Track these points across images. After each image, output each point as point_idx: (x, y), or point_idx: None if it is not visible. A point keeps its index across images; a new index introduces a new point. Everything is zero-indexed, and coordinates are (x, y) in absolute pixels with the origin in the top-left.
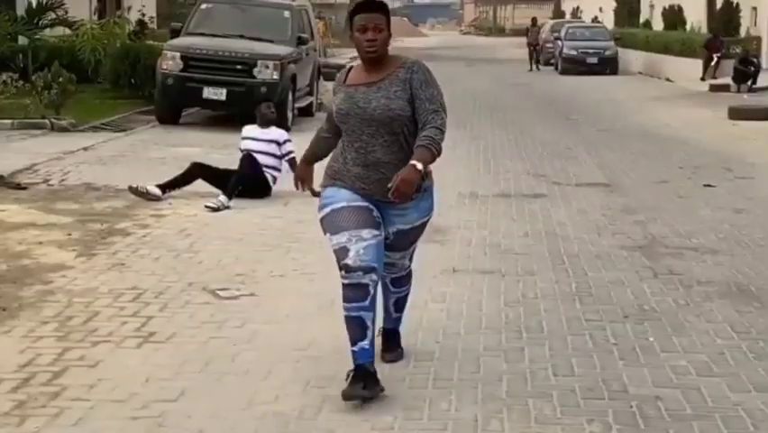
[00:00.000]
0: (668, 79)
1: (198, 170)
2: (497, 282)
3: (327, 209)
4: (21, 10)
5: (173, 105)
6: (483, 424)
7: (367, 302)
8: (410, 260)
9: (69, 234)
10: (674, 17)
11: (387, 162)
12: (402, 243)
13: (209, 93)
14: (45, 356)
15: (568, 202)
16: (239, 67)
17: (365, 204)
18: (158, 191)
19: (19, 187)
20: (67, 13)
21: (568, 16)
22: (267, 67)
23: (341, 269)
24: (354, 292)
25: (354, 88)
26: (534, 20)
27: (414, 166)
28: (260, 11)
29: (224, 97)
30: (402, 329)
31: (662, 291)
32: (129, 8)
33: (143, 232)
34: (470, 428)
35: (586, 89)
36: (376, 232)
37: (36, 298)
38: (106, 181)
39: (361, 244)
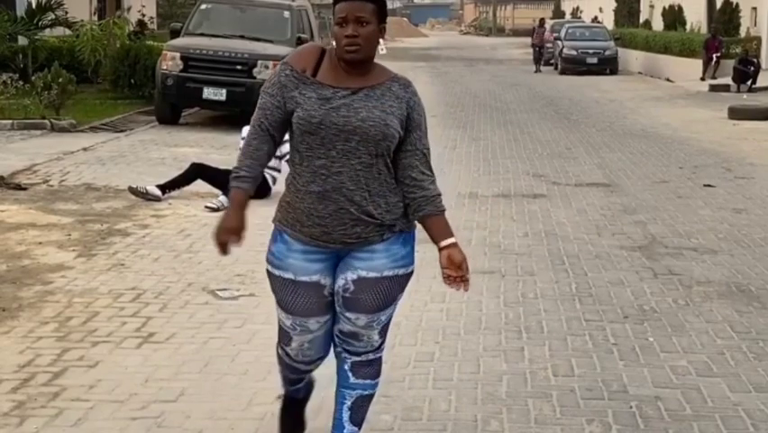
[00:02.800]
0: (668, 79)
1: (198, 171)
2: (496, 282)
3: (275, 272)
4: (21, 10)
5: (173, 105)
6: (483, 424)
7: (303, 383)
8: (381, 336)
9: (69, 235)
10: (674, 17)
11: (351, 190)
12: (366, 299)
13: (209, 93)
14: (45, 357)
15: (568, 202)
16: (239, 67)
17: (315, 278)
18: (158, 192)
19: (19, 187)
20: (66, 13)
21: (568, 16)
22: (267, 67)
23: (280, 347)
24: (292, 373)
25: (331, 90)
26: (541, 20)
27: (453, 244)
28: (259, 11)
29: (223, 98)
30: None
31: (662, 291)
32: (129, 8)
33: (143, 232)
34: (469, 429)
35: (586, 89)
36: (324, 318)
37: (36, 298)
38: (106, 182)
39: (306, 336)
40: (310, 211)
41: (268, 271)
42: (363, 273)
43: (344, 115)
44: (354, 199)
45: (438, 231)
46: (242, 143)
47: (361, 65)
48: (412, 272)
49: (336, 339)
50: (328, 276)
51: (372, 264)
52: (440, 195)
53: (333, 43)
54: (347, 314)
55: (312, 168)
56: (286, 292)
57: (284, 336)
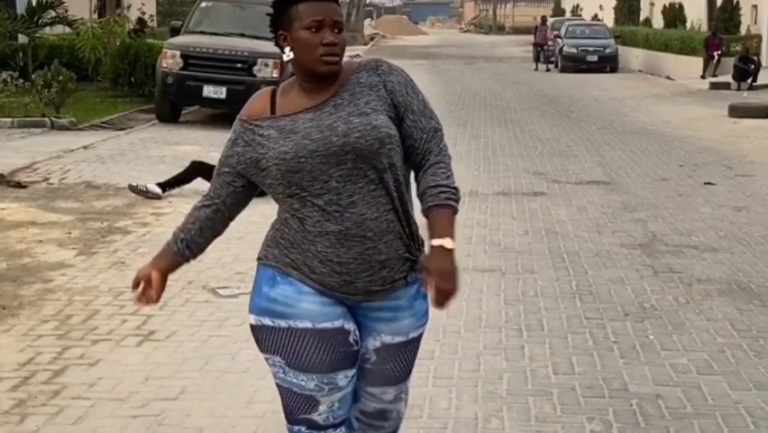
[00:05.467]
0: (668, 77)
1: (198, 169)
2: (497, 280)
3: (281, 323)
4: (21, 8)
5: (173, 103)
6: (483, 422)
7: None
8: (406, 404)
9: (69, 233)
10: (674, 15)
11: (374, 219)
12: (393, 369)
13: (209, 91)
14: (45, 355)
15: (568, 200)
16: (239, 65)
17: (338, 324)
18: (158, 190)
19: (19, 185)
20: (67, 11)
21: (568, 14)
22: (266, 65)
23: (296, 423)
24: None
25: (290, 119)
26: (543, 18)
27: (442, 248)
28: (259, 9)
29: (223, 96)
30: None
31: (663, 289)
32: (129, 6)
33: (143, 230)
34: (470, 427)
35: (586, 87)
36: (352, 372)
37: (36, 296)
38: (106, 180)
39: (336, 395)
40: (327, 256)
41: (261, 326)
42: (388, 339)
43: (319, 138)
44: (380, 231)
45: (432, 227)
46: None
47: (332, 78)
48: None
49: (356, 423)
50: (350, 321)
51: (398, 327)
52: (448, 186)
53: (288, 55)
54: (370, 389)
55: (317, 206)
56: (302, 348)
57: (305, 405)
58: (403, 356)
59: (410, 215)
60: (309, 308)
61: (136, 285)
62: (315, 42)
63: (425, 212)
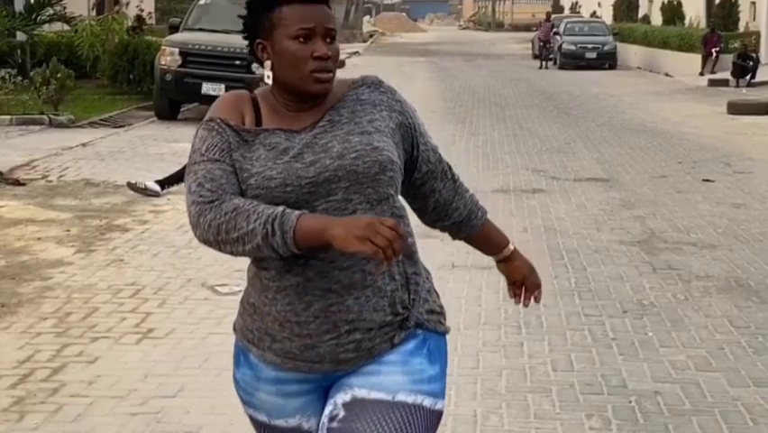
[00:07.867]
0: (667, 74)
1: None
2: (495, 278)
3: (247, 410)
4: (19, 5)
5: (172, 100)
6: (482, 420)
7: None
8: None
9: (68, 231)
10: (673, 12)
11: (344, 270)
12: (361, 429)
13: (208, 88)
14: (44, 352)
15: (567, 197)
16: (237, 62)
17: (294, 422)
18: (156, 187)
19: (17, 183)
20: (65, 8)
21: (567, 11)
22: None
23: None
24: None
25: (284, 135)
26: (548, 14)
27: (516, 250)
28: None
29: (222, 93)
30: None
31: (661, 286)
32: (127, 4)
33: (142, 228)
34: (469, 424)
35: (585, 84)
36: None
37: (35, 294)
38: (105, 177)
39: None
40: (285, 316)
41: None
42: (362, 393)
43: (312, 160)
44: (350, 284)
45: (493, 240)
46: None
47: (322, 98)
48: (441, 412)
49: None
50: (313, 416)
51: (378, 381)
52: (474, 199)
53: (267, 74)
54: None
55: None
56: None
57: None
58: (382, 422)
59: (408, 260)
60: (265, 400)
61: (392, 225)
62: (305, 55)
63: (479, 230)
